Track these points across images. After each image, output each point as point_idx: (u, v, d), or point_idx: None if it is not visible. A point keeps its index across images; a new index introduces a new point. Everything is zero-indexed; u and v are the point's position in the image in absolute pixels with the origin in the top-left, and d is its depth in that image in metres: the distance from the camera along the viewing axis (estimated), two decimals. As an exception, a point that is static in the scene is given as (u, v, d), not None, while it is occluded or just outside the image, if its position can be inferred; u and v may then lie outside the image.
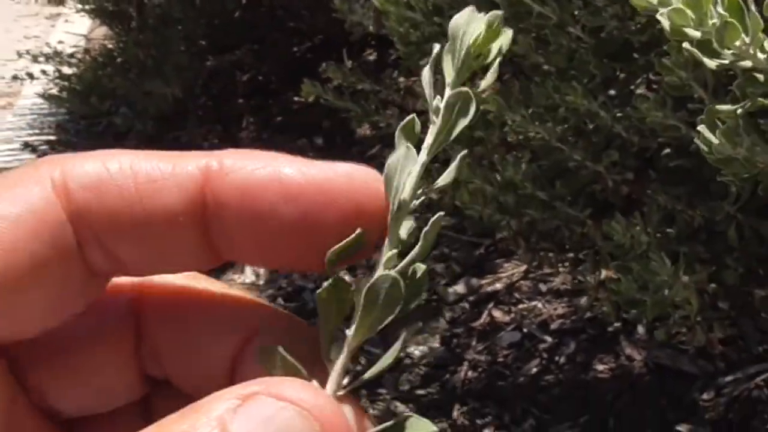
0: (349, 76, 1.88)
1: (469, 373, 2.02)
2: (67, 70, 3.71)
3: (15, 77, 3.77)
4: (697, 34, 0.64)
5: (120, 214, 0.41)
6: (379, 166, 0.43)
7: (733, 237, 1.13)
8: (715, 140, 0.64)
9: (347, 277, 0.43)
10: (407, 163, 0.44)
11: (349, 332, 0.42)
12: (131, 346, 0.45)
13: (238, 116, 3.58)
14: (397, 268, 0.43)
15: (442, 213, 0.43)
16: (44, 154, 3.82)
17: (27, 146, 3.87)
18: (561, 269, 1.81)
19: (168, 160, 0.42)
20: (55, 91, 3.68)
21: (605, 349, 1.94)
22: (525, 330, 2.09)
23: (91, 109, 3.62)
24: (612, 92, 1.18)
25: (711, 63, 0.63)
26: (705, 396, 1.77)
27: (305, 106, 3.52)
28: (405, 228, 0.44)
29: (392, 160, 0.44)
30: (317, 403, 0.38)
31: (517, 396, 1.91)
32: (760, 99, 0.57)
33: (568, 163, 1.26)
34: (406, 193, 0.44)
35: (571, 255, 1.58)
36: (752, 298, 1.24)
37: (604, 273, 1.66)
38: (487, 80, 0.46)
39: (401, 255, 0.43)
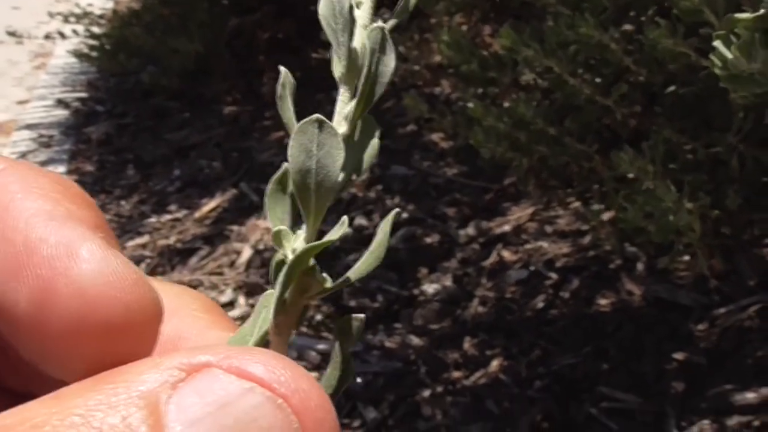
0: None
1: (479, 309, 2.02)
2: (96, 29, 3.69)
3: (47, 36, 3.75)
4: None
5: None
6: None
7: (736, 166, 1.12)
8: (729, 55, 0.64)
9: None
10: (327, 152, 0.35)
11: (306, 290, 0.34)
12: None
13: (260, 73, 3.57)
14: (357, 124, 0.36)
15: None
16: (77, 110, 3.82)
17: (60, 103, 3.87)
18: (568, 207, 1.81)
19: None
20: (85, 50, 3.67)
21: (607, 285, 1.94)
22: (531, 268, 2.09)
23: (119, 67, 3.61)
24: (624, 27, 1.17)
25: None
26: (700, 327, 1.77)
27: (323, 63, 3.50)
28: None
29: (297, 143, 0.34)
30: (298, 388, 0.26)
31: (524, 329, 1.92)
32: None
33: (579, 97, 1.25)
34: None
35: (579, 190, 1.57)
36: (752, 226, 1.23)
37: (607, 215, 1.66)
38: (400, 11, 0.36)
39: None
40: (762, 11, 0.57)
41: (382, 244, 0.34)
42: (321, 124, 0.33)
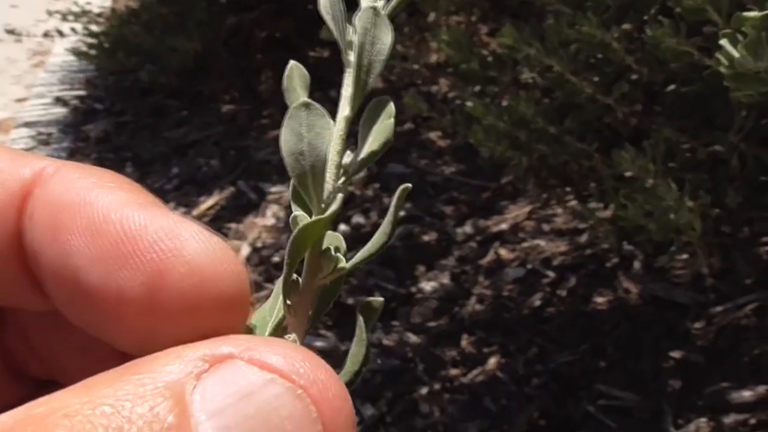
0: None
1: (477, 306, 2.02)
2: (95, 28, 3.68)
3: (46, 35, 3.74)
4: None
5: None
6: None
7: (737, 165, 1.12)
8: (736, 54, 0.63)
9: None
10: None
11: (318, 271, 0.33)
12: None
13: (257, 71, 3.56)
14: (359, 167, 0.35)
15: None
16: (75, 108, 3.81)
17: (59, 100, 3.85)
18: (567, 206, 1.81)
19: (8, 158, 0.33)
20: (84, 48, 3.66)
21: (604, 283, 1.94)
22: (529, 266, 2.08)
23: (118, 65, 3.60)
24: (625, 26, 1.17)
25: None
26: (697, 325, 1.77)
27: (321, 61, 3.50)
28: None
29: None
30: (317, 379, 0.27)
31: (521, 327, 1.91)
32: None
33: (580, 96, 1.24)
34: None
35: (577, 189, 1.57)
36: (752, 224, 1.23)
37: (605, 213, 1.66)
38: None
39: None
40: (769, 10, 0.57)
41: (394, 217, 0.34)
42: (308, 107, 0.34)
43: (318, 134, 0.34)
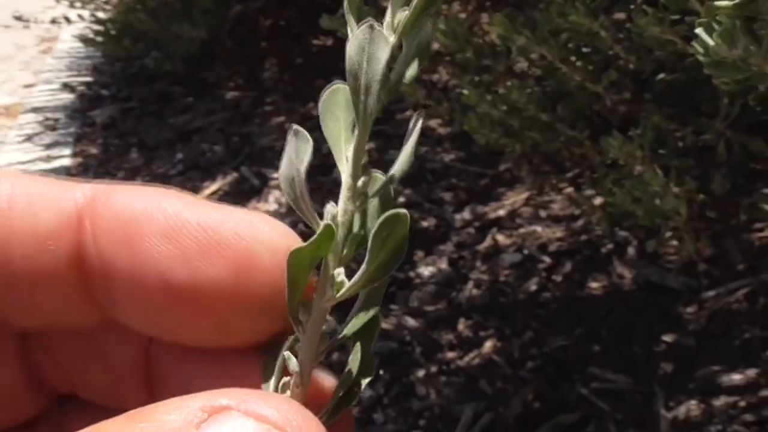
0: (365, 14, 1.86)
1: (474, 291, 2.03)
2: (101, 15, 3.69)
3: (54, 21, 3.75)
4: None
5: None
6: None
7: (723, 152, 1.13)
8: (711, 42, 0.64)
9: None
10: (375, 49, 0.33)
11: (324, 293, 0.33)
12: (13, 358, 0.35)
13: (262, 58, 3.57)
14: (376, 189, 0.34)
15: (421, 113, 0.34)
16: (82, 94, 3.82)
17: (66, 86, 3.86)
18: (563, 192, 1.81)
19: (55, 184, 0.34)
20: (90, 35, 3.67)
21: (599, 269, 1.95)
22: (525, 252, 2.09)
23: (124, 52, 3.61)
24: (613, 16, 1.17)
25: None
26: (689, 310, 1.78)
27: (324, 49, 3.50)
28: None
29: (354, 45, 0.33)
30: (308, 431, 0.28)
31: (517, 311, 1.92)
32: (758, -12, 0.57)
33: (570, 84, 1.25)
34: (376, 94, 0.33)
35: (570, 175, 1.57)
36: (737, 210, 1.24)
37: (599, 200, 1.66)
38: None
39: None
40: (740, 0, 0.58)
41: (413, 142, 0.35)
42: (372, 27, 0.33)
43: (377, 47, 0.33)
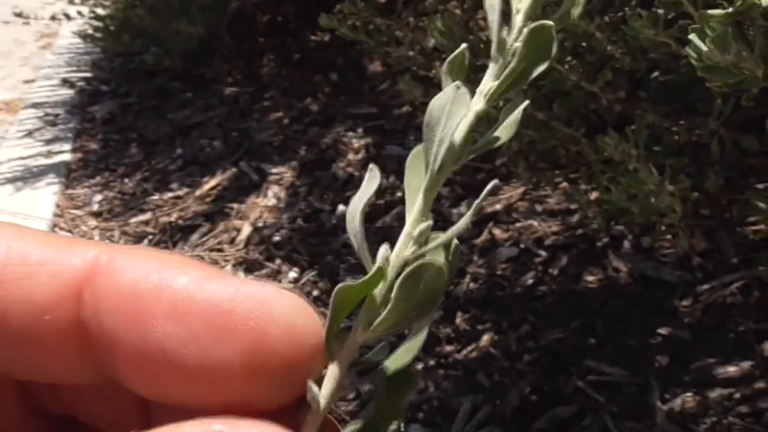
0: (363, 11, 1.87)
1: (471, 285, 2.04)
2: (101, 11, 3.69)
3: (53, 17, 3.75)
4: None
5: None
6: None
7: (716, 150, 1.14)
8: (704, 47, 0.65)
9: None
10: (457, 109, 0.33)
11: (356, 328, 0.33)
12: (11, 385, 0.35)
13: (259, 54, 3.57)
14: (436, 243, 0.34)
15: (496, 181, 0.34)
16: (81, 90, 3.82)
17: (65, 82, 3.86)
18: (558, 187, 1.82)
19: (54, 246, 0.32)
20: (90, 31, 3.67)
21: (594, 262, 1.96)
22: (521, 246, 2.10)
23: (123, 48, 3.61)
24: (607, 18, 1.18)
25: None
26: (684, 303, 1.79)
27: (321, 45, 3.50)
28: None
29: (438, 102, 0.33)
30: None
31: (514, 304, 1.93)
32: (749, -2, 0.58)
33: (566, 84, 1.26)
34: (449, 149, 0.33)
35: (567, 172, 1.58)
36: (731, 207, 1.25)
37: (594, 194, 1.67)
38: (578, 6, 0.34)
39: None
40: (732, 9, 0.59)
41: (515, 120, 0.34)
42: (458, 87, 0.33)
43: (459, 124, 0.33)
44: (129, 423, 0.35)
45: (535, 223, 2.16)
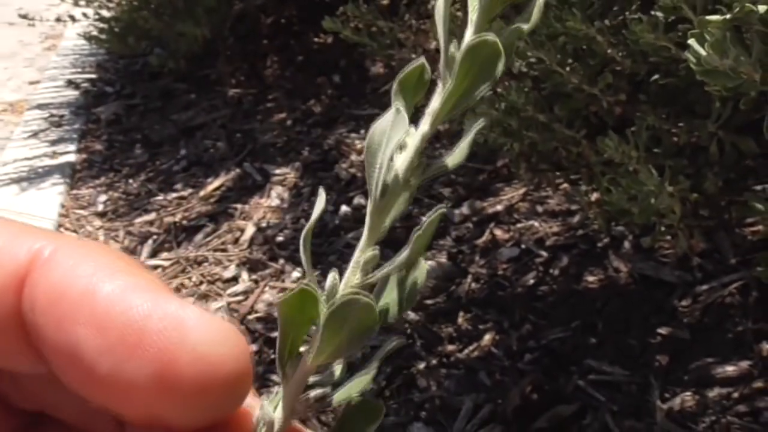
0: (366, 14, 1.87)
1: (473, 285, 2.04)
2: (105, 13, 3.70)
3: (58, 19, 3.76)
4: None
5: None
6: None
7: (715, 152, 1.15)
8: (703, 52, 0.66)
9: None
10: (394, 133, 0.31)
11: (309, 353, 0.31)
12: None
13: (263, 56, 3.58)
14: (378, 275, 0.32)
15: (443, 208, 0.32)
16: (86, 91, 3.83)
17: (70, 83, 3.87)
18: (559, 188, 1.82)
19: (5, 236, 0.32)
20: (95, 32, 3.68)
21: (595, 263, 1.97)
22: (523, 246, 2.11)
23: (128, 49, 3.62)
24: (608, 22, 1.19)
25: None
26: (683, 303, 1.79)
27: (324, 47, 3.51)
28: (390, 217, 0.32)
29: (379, 126, 0.31)
30: None
31: (515, 304, 1.94)
32: (747, 4, 0.59)
33: (567, 86, 1.27)
34: (391, 173, 0.32)
35: (567, 173, 1.59)
36: (730, 208, 1.25)
37: (595, 195, 1.68)
38: (533, 17, 0.31)
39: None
40: (730, 15, 0.60)
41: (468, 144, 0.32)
42: (398, 111, 0.31)
43: (400, 149, 0.32)
44: (95, 416, 0.34)
45: (536, 224, 2.16)
